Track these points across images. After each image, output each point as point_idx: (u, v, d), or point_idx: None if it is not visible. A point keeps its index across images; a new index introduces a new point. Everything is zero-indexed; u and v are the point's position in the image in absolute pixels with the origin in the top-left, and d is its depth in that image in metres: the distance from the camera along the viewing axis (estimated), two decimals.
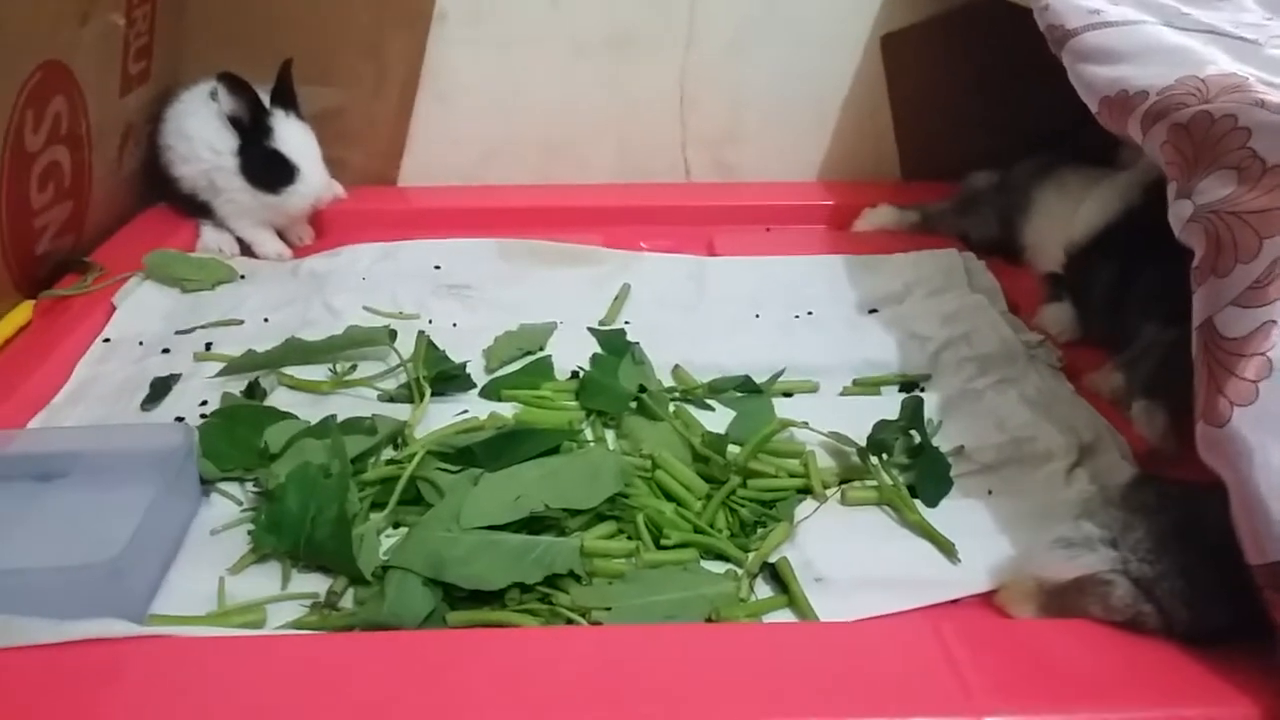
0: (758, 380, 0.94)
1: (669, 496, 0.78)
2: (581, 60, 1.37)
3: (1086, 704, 0.58)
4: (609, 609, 0.67)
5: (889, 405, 0.89)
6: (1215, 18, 0.83)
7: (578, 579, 0.70)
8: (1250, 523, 0.57)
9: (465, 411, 0.89)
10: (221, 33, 1.29)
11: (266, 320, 1.06)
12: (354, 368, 0.97)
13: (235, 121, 1.16)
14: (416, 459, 0.78)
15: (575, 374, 0.95)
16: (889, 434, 0.84)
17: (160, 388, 0.93)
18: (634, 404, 0.89)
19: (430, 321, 1.06)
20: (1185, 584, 0.62)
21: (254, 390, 0.92)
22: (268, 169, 1.16)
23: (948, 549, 0.74)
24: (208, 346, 1.01)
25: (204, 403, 0.91)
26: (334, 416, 0.85)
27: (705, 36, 1.36)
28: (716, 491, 0.78)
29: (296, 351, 0.96)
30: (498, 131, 1.41)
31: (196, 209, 1.23)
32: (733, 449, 0.83)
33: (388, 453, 0.84)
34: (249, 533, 0.75)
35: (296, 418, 0.85)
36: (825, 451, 0.85)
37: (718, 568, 0.73)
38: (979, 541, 0.74)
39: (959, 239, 1.23)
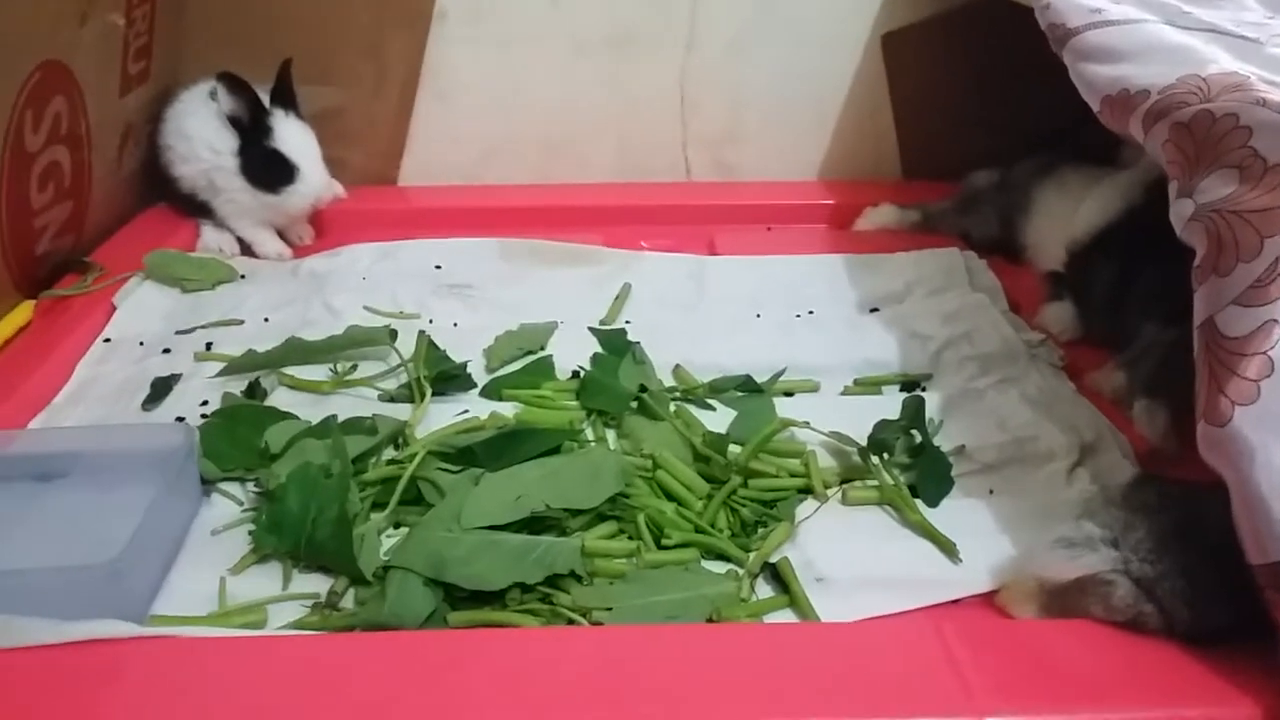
0: (759, 380, 0.94)
1: (670, 496, 0.78)
2: (582, 59, 1.37)
3: (1088, 704, 0.58)
4: (610, 609, 0.67)
5: (890, 405, 0.89)
6: (1216, 16, 0.83)
7: (579, 579, 0.70)
8: (1251, 522, 0.57)
9: (466, 411, 0.89)
10: (221, 32, 1.28)
11: (267, 320, 1.06)
12: (354, 368, 0.97)
13: (235, 121, 1.16)
14: (417, 459, 0.78)
15: (576, 374, 0.95)
16: (890, 434, 0.84)
17: (161, 388, 0.93)
18: (635, 404, 0.89)
19: (431, 321, 1.06)
20: (1186, 584, 0.62)
21: (255, 390, 0.92)
22: (268, 169, 1.16)
23: (949, 549, 0.74)
24: (208, 346, 1.01)
25: (205, 403, 0.91)
26: (334, 416, 0.85)
27: (706, 36, 1.36)
28: (717, 491, 0.78)
29: (297, 351, 0.96)
30: (498, 131, 1.41)
31: (196, 209, 1.23)
32: (734, 449, 0.82)
33: (388, 453, 0.84)
34: (250, 533, 0.75)
35: (297, 418, 0.85)
36: (826, 451, 0.85)
37: (719, 568, 0.73)
38: (980, 541, 0.74)
39: (960, 238, 1.23)
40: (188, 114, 1.20)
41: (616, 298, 1.10)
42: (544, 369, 0.96)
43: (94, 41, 1.09)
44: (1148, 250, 0.91)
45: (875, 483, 0.81)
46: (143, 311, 1.08)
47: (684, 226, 1.30)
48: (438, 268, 1.18)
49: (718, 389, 0.93)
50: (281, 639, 0.65)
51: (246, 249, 1.23)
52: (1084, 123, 0.83)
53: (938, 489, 0.81)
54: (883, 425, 0.85)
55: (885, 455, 0.83)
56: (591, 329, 1.03)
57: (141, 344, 1.02)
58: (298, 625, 0.68)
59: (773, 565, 0.72)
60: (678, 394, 0.93)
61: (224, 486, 0.80)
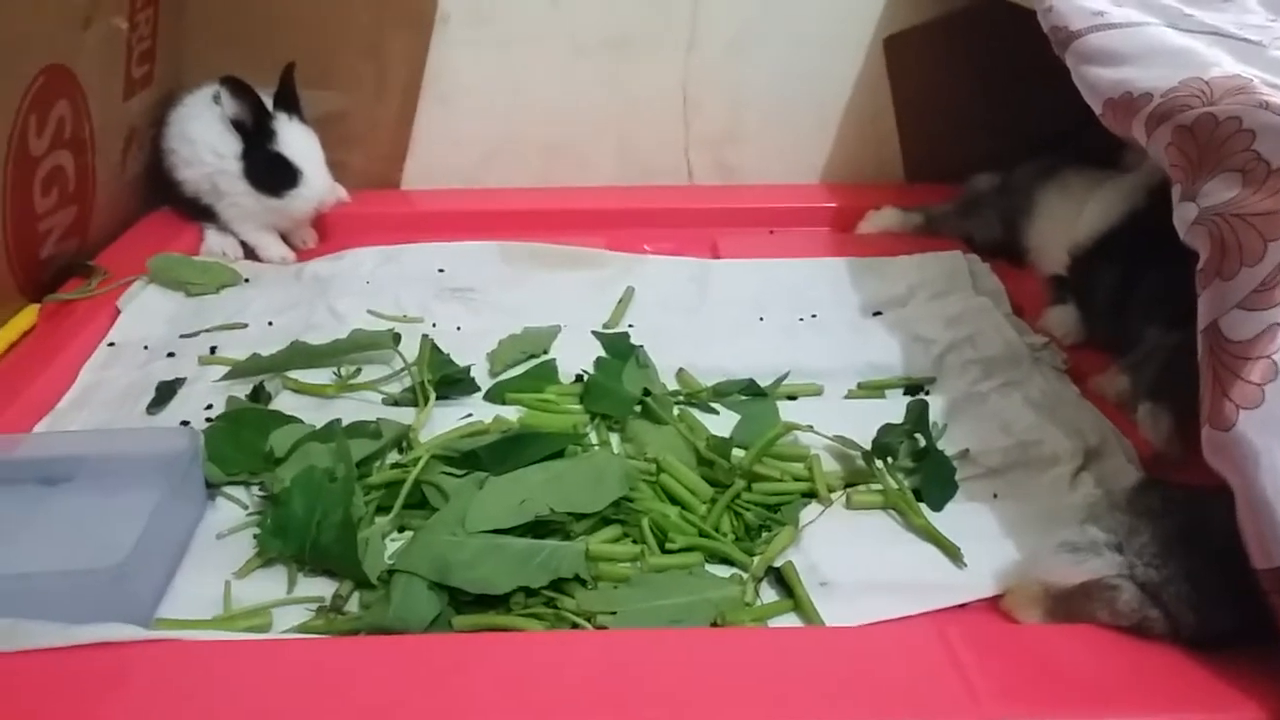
0: (762, 383, 0.94)
1: (674, 500, 0.78)
2: (583, 62, 1.37)
3: (1092, 709, 0.58)
4: (614, 613, 0.67)
5: (894, 408, 0.90)
6: (1219, 19, 0.83)
7: (583, 583, 0.70)
8: (1256, 526, 0.57)
9: (470, 415, 0.89)
10: (224, 37, 1.29)
11: (271, 324, 1.06)
12: (358, 371, 0.97)
13: (238, 125, 1.16)
14: (421, 463, 0.78)
15: (579, 377, 0.95)
16: (894, 437, 0.84)
17: (165, 392, 0.93)
18: (638, 407, 0.89)
19: (434, 325, 1.06)
20: (1191, 588, 0.62)
21: (259, 394, 0.92)
22: (271, 172, 1.16)
23: (953, 553, 0.74)
24: (212, 350, 1.01)
25: (209, 406, 0.91)
26: (339, 420, 0.85)
27: (707, 38, 1.36)
28: (721, 495, 0.78)
29: (301, 355, 0.96)
30: (500, 134, 1.41)
31: (200, 213, 1.23)
32: (737, 453, 0.82)
33: (392, 456, 0.84)
34: (254, 536, 0.75)
35: (301, 421, 0.85)
36: (830, 455, 0.85)
37: (723, 572, 0.73)
38: (984, 545, 0.74)
39: (963, 241, 1.23)
40: (191, 118, 1.20)
41: (619, 301, 1.10)
42: (547, 373, 0.96)
43: (97, 45, 1.09)
44: (1151, 254, 0.91)
45: (879, 487, 0.81)
46: (147, 315, 1.08)
47: (687, 230, 1.30)
48: (441, 271, 1.18)
49: (721, 393, 0.93)
50: (286, 642, 0.65)
51: (250, 253, 1.23)
52: (1086, 125, 0.83)
53: (942, 493, 0.81)
54: (886, 429, 0.85)
55: (889, 459, 0.83)
56: (595, 333, 1.03)
57: (146, 348, 1.02)
58: (302, 629, 0.68)
59: (777, 569, 0.72)
60: (681, 398, 0.93)
61: (228, 490, 0.81)
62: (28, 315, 1.02)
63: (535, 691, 0.58)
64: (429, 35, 1.33)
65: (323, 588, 0.71)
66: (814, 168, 1.45)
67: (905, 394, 0.95)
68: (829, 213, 1.34)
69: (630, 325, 1.06)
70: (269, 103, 1.16)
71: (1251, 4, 0.89)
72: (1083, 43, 0.83)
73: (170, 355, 1.00)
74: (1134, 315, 0.93)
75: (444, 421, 0.88)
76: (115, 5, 1.11)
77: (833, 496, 0.80)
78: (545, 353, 1.00)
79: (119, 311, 1.07)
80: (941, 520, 0.77)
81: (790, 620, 0.69)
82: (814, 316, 1.08)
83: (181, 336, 1.04)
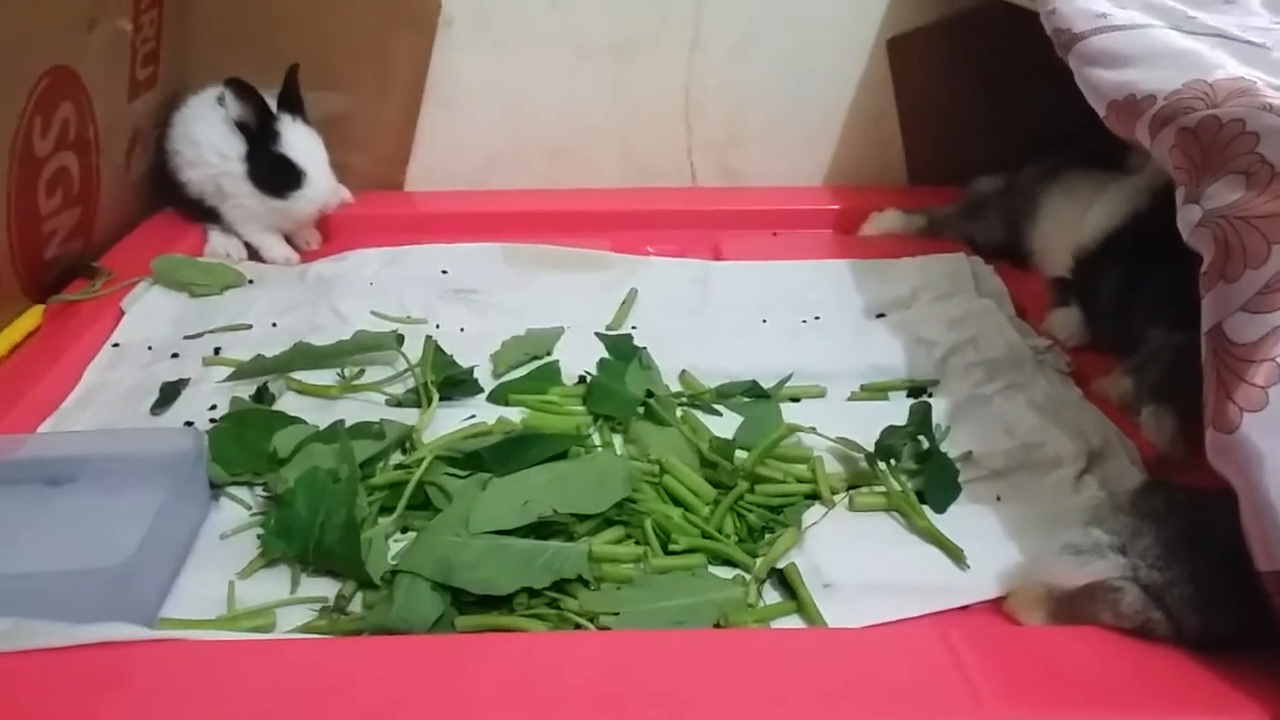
0: (765, 385, 0.94)
1: (677, 502, 0.78)
2: (586, 64, 1.37)
3: (1096, 711, 0.58)
4: (617, 614, 0.67)
5: (897, 410, 0.90)
6: (1222, 21, 0.83)
7: (586, 584, 0.70)
8: (1260, 529, 0.57)
9: (473, 416, 0.89)
10: (228, 38, 1.29)
11: (275, 325, 1.06)
12: (362, 372, 0.97)
13: (242, 126, 1.16)
14: (425, 464, 0.78)
15: (583, 379, 0.95)
16: (897, 439, 0.84)
17: (169, 392, 0.93)
18: (641, 409, 0.89)
19: (437, 326, 1.06)
20: (1195, 590, 0.62)
21: (263, 395, 0.92)
22: (275, 174, 1.17)
23: (956, 555, 0.74)
24: (216, 351, 1.01)
25: (213, 407, 0.91)
26: (342, 421, 0.86)
27: (710, 40, 1.36)
28: (724, 497, 0.78)
29: (305, 356, 0.96)
30: (503, 136, 1.41)
31: (204, 214, 1.23)
32: (740, 454, 0.82)
33: (396, 457, 0.84)
34: (258, 537, 0.75)
35: (305, 422, 0.86)
36: (833, 457, 0.85)
37: (726, 573, 0.73)
38: (988, 547, 0.74)
39: (966, 243, 1.23)
40: (195, 119, 1.20)
41: (623, 303, 1.11)
42: (551, 374, 0.96)
43: (102, 47, 1.09)
44: (1155, 256, 0.91)
45: (882, 489, 0.81)
46: (151, 316, 1.08)
47: (690, 232, 1.30)
48: (444, 273, 1.18)
49: (724, 394, 0.93)
50: (289, 642, 0.65)
51: (254, 254, 1.23)
52: (1089, 128, 0.83)
53: (945, 495, 0.81)
54: (890, 431, 0.85)
55: (892, 461, 0.83)
56: (598, 334, 1.03)
57: (150, 349, 1.02)
58: (306, 629, 0.68)
59: (780, 571, 0.72)
60: (684, 399, 0.93)
61: (232, 491, 0.81)
62: (32, 316, 1.02)
63: (538, 692, 0.58)
64: (432, 38, 1.34)
65: (326, 588, 0.71)
66: (817, 170, 1.45)
67: (908, 396, 0.95)
68: (832, 215, 1.34)
69: (633, 327, 1.06)
70: (273, 104, 1.16)
71: (1255, 6, 0.89)
72: (1086, 45, 0.83)
73: (174, 356, 1.00)
74: (1137, 317, 0.93)
75: (447, 422, 0.88)
76: (120, 7, 1.11)
77: (836, 498, 0.80)
78: (548, 354, 1.00)
79: (123, 312, 1.08)
80: (944, 522, 0.77)
81: (793, 622, 0.69)
82: (817, 318, 1.08)
83: (185, 337, 1.04)
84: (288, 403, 0.92)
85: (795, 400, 0.94)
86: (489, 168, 1.42)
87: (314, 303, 1.11)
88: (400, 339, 0.98)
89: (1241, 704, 0.57)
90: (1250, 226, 0.62)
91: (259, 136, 1.16)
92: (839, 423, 0.85)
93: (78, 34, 1.05)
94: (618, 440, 0.88)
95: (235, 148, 1.17)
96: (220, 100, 1.17)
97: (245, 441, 0.83)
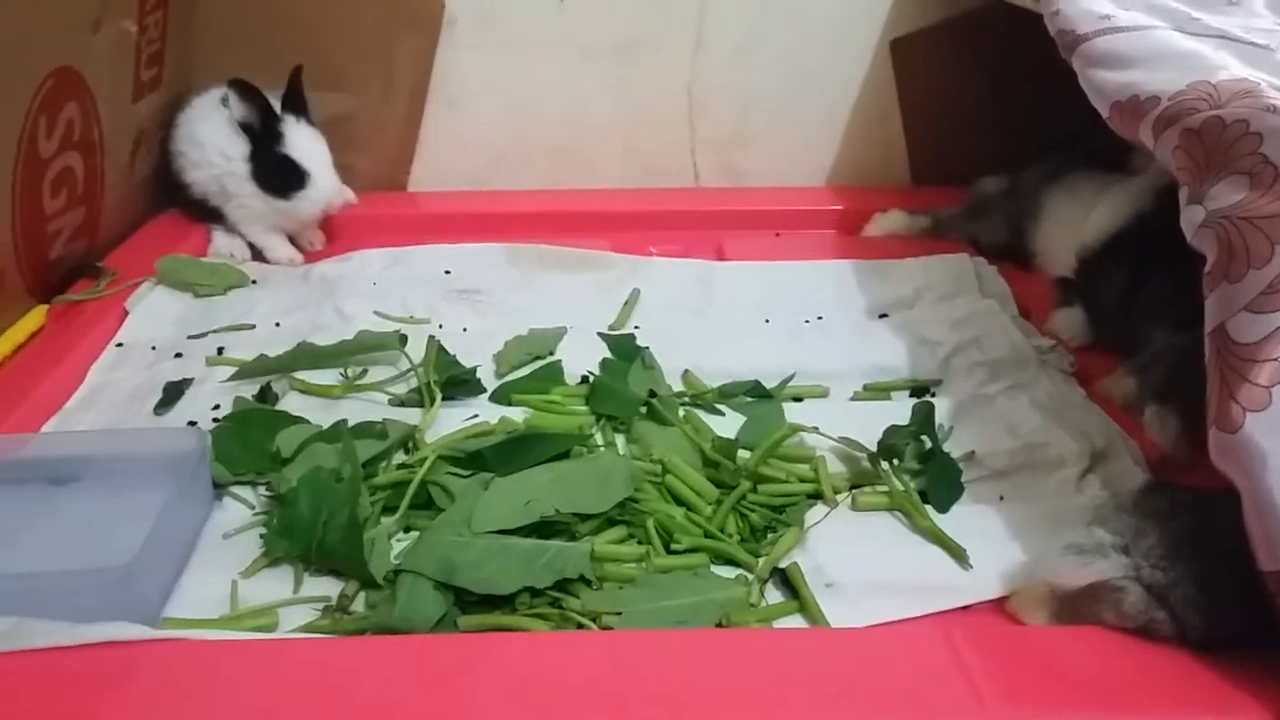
0: (768, 385, 0.94)
1: (679, 501, 0.78)
2: (590, 64, 1.37)
3: (1098, 711, 0.58)
4: (619, 614, 0.67)
5: (900, 410, 0.89)
6: (1226, 23, 0.83)
7: (588, 583, 0.70)
8: (1263, 529, 0.57)
9: (475, 416, 0.89)
10: (232, 40, 1.29)
11: (278, 325, 1.07)
12: (365, 372, 0.97)
13: (246, 127, 1.16)
14: (427, 463, 0.78)
15: (585, 379, 0.95)
16: (900, 439, 0.84)
17: (173, 392, 0.94)
18: (644, 409, 0.89)
19: (440, 326, 1.06)
20: (1198, 590, 0.61)
21: (266, 395, 0.93)
22: (279, 174, 1.17)
23: (959, 555, 0.74)
24: (220, 351, 1.01)
25: (216, 407, 0.91)
26: (345, 421, 0.86)
27: (714, 41, 1.36)
28: (727, 496, 0.78)
29: (308, 356, 0.96)
30: (506, 136, 1.41)
31: (208, 214, 1.24)
32: (743, 454, 0.82)
33: (399, 457, 0.84)
34: (261, 536, 0.75)
35: (308, 422, 0.86)
36: (836, 457, 0.85)
37: (728, 573, 0.73)
38: (990, 547, 0.74)
39: (969, 244, 1.23)
40: (199, 120, 1.20)
41: (625, 303, 1.11)
42: (553, 374, 0.96)
43: (107, 48, 1.09)
44: (1158, 256, 0.90)
45: (885, 488, 0.81)
46: (155, 316, 1.08)
47: (693, 232, 1.30)
48: (447, 273, 1.18)
49: (727, 394, 0.93)
50: (292, 642, 0.65)
51: (258, 254, 1.24)
52: (1093, 128, 0.83)
53: (948, 495, 0.80)
54: (892, 431, 0.85)
55: (895, 461, 0.83)
56: (600, 334, 1.03)
57: (153, 349, 1.02)
58: (308, 628, 0.68)
59: (782, 570, 0.72)
60: (687, 399, 0.93)
61: (235, 490, 0.81)
62: (36, 316, 1.03)
63: (540, 692, 0.58)
64: (436, 38, 1.34)
65: (329, 587, 0.71)
66: (820, 170, 1.45)
67: (911, 396, 0.95)
68: (835, 215, 1.34)
69: (636, 327, 1.06)
70: (277, 105, 1.17)
71: (1259, 7, 0.89)
72: (1090, 46, 0.83)
73: (178, 356, 1.01)
74: (1141, 318, 0.93)
75: (450, 422, 0.88)
76: (124, 8, 1.11)
77: (838, 498, 0.80)
78: (551, 354, 1.00)
79: (127, 312, 1.08)
80: (947, 522, 0.77)
81: (795, 621, 0.69)
82: (820, 319, 1.08)
83: (189, 337, 1.04)
84: (291, 402, 0.92)
85: (798, 400, 0.94)
86: (492, 168, 1.42)
87: (317, 303, 1.11)
88: (403, 339, 0.98)
89: (1244, 704, 0.57)
90: (1253, 227, 0.62)
91: (263, 137, 1.16)
92: (842, 422, 0.86)
93: (82, 35, 1.05)
94: (620, 440, 0.88)
95: (239, 148, 1.17)
96: (224, 101, 1.17)
97: (248, 441, 0.83)
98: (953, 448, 0.85)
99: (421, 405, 0.91)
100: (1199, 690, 0.59)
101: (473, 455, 0.80)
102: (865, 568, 0.73)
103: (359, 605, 0.70)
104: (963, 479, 0.82)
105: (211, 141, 1.18)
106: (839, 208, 1.35)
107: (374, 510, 0.76)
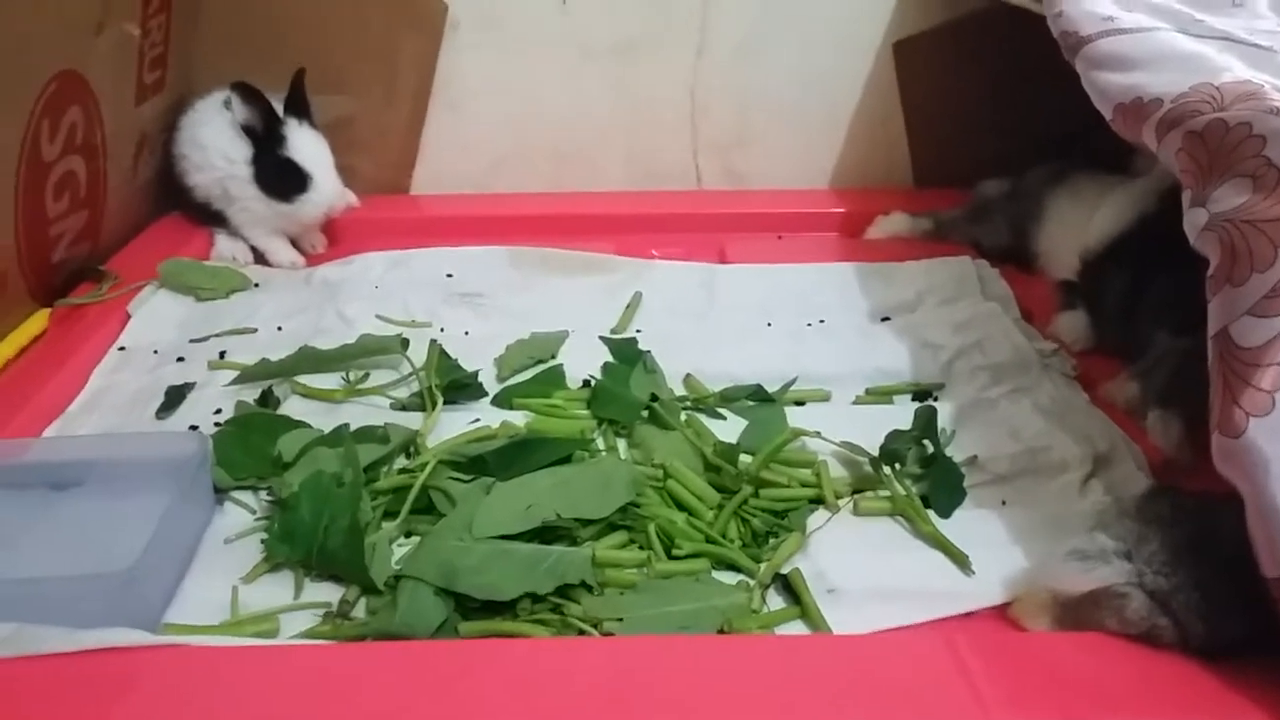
0: (769, 389, 0.94)
1: (681, 506, 0.78)
2: (591, 67, 1.37)
3: (1101, 717, 0.58)
4: (621, 619, 0.67)
5: (902, 414, 0.89)
6: (1230, 24, 0.83)
7: (589, 589, 0.70)
8: (1266, 534, 0.57)
9: (477, 420, 0.89)
10: (235, 42, 1.29)
11: (280, 329, 1.07)
12: (367, 376, 0.97)
13: (249, 130, 1.16)
14: (429, 468, 0.78)
15: (587, 383, 0.95)
16: (902, 444, 0.84)
17: (175, 396, 0.94)
18: (645, 413, 0.89)
19: (442, 330, 1.06)
20: (1201, 597, 0.61)
21: (268, 399, 0.93)
22: (281, 177, 1.17)
23: (961, 560, 0.74)
24: (222, 355, 1.01)
25: (218, 411, 0.91)
26: (347, 425, 0.86)
27: (716, 43, 1.36)
28: (728, 501, 0.78)
29: (310, 360, 0.96)
30: (509, 139, 1.41)
31: (210, 217, 1.24)
32: (745, 458, 0.82)
33: (400, 461, 0.84)
34: (262, 542, 0.75)
35: (310, 426, 0.86)
36: (838, 461, 0.84)
37: (730, 578, 0.73)
38: (993, 553, 0.74)
39: (972, 246, 1.23)
40: (202, 123, 1.20)
41: (627, 306, 1.11)
42: (555, 378, 0.96)
43: (110, 51, 1.10)
44: (1161, 259, 0.90)
45: (887, 493, 0.80)
46: (157, 320, 1.08)
47: (695, 235, 1.30)
48: (449, 276, 1.18)
49: (729, 398, 0.93)
50: (293, 648, 0.65)
51: (260, 257, 1.24)
52: (1096, 130, 0.83)
53: (950, 500, 0.80)
54: (895, 435, 0.85)
55: (897, 465, 0.83)
56: (602, 338, 1.03)
57: (156, 352, 1.02)
58: (309, 634, 0.68)
59: (784, 576, 0.72)
60: (688, 403, 0.93)
61: (237, 495, 0.81)
62: (38, 319, 1.03)
63: (541, 698, 0.58)
64: (439, 41, 1.34)
65: (330, 593, 0.71)
66: (822, 172, 1.45)
67: (913, 400, 0.95)
68: (837, 218, 1.34)
69: (638, 330, 1.06)
70: (279, 108, 1.17)
71: (1262, 9, 0.89)
72: (1093, 48, 0.83)
73: (180, 360, 1.01)
74: (1144, 321, 0.92)
75: (451, 426, 0.88)
76: (127, 11, 1.11)
77: (840, 503, 0.79)
78: (553, 358, 1.00)
79: (129, 316, 1.08)
80: (949, 527, 0.77)
81: (797, 627, 0.69)
82: (822, 322, 1.08)
83: (191, 341, 1.04)
84: (292, 406, 0.92)
85: (800, 404, 0.94)
86: (494, 171, 1.42)
87: (319, 306, 1.11)
88: (405, 343, 0.98)
89: (1247, 710, 0.57)
90: (1257, 230, 0.62)
91: (265, 140, 1.16)
92: (844, 427, 0.85)
93: (85, 38, 1.05)
94: (622, 444, 0.88)
95: (242, 151, 1.17)
96: (227, 104, 1.17)
97: (250, 445, 0.83)
98: (955, 452, 0.85)
99: (423, 409, 0.91)
100: (1201, 697, 0.59)
101: (474, 460, 0.80)
102: (867, 573, 0.73)
103: (360, 611, 0.70)
104: (965, 484, 0.82)
105: (214, 145, 1.18)
106: (841, 210, 1.35)
107: (375, 515, 0.76)
